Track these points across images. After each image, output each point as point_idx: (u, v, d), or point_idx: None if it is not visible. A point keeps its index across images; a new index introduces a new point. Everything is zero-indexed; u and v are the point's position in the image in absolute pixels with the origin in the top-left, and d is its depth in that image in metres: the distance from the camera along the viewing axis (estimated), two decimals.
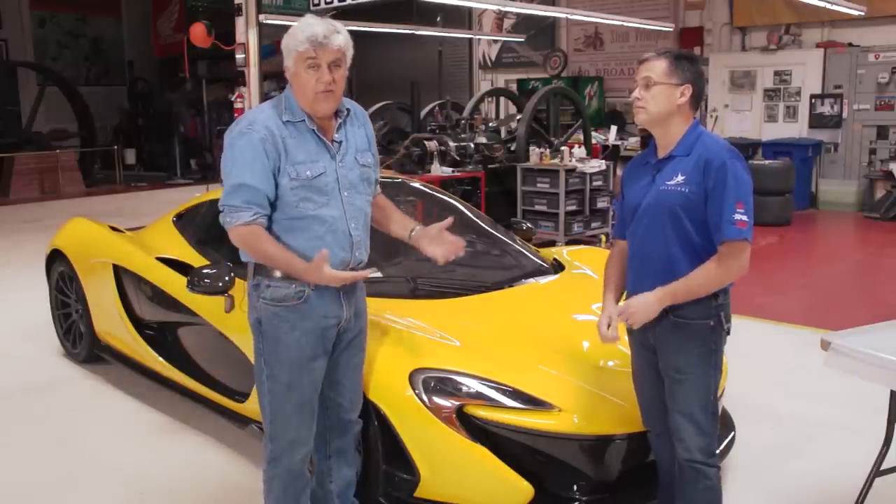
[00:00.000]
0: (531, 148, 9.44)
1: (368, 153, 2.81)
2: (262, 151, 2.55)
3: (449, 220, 2.86)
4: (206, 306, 3.84)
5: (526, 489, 2.91)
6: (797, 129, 12.23)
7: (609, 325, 2.77)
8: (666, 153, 2.70)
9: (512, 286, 3.99)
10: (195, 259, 4.20)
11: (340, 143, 2.71)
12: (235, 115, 11.08)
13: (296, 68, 2.59)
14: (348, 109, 2.76)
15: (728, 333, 2.72)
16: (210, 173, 16.58)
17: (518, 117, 10.21)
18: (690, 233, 2.62)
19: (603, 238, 9.06)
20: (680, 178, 2.62)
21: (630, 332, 2.88)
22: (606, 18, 12.63)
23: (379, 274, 2.71)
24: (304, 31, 2.56)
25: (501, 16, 16.03)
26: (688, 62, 2.65)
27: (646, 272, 2.72)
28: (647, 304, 2.61)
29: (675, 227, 2.63)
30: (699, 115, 2.79)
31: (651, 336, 2.75)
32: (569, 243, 8.31)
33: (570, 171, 8.93)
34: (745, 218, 2.54)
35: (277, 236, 2.63)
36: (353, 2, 10.69)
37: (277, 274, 2.65)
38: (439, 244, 2.82)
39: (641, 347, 2.84)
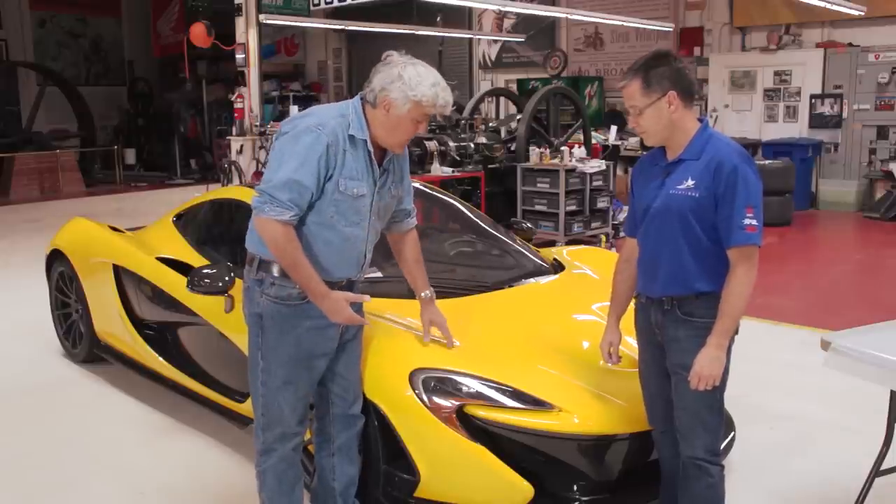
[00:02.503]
0: (531, 148, 9.43)
1: (400, 185, 2.88)
2: (325, 155, 2.57)
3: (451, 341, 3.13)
4: (206, 306, 3.84)
5: (526, 489, 2.91)
6: (797, 129, 12.23)
7: (610, 351, 2.99)
8: (675, 156, 2.69)
9: (512, 286, 3.99)
10: (195, 259, 4.20)
11: (386, 171, 2.76)
12: (235, 115, 11.09)
13: (402, 111, 2.60)
14: None
15: (736, 332, 2.72)
16: (210, 173, 16.58)
17: (518, 117, 10.20)
18: (700, 236, 2.62)
19: (603, 238, 9.06)
20: (690, 182, 2.62)
21: (638, 329, 2.90)
22: (606, 18, 12.64)
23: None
24: (438, 94, 2.60)
25: (501, 16, 16.03)
26: (660, 67, 2.61)
27: (656, 274, 2.73)
28: (714, 358, 2.60)
29: (685, 232, 2.63)
30: (705, 116, 2.78)
31: (659, 333, 2.76)
32: (569, 243, 8.30)
33: (570, 171, 8.93)
34: (754, 222, 2.55)
35: (301, 236, 2.64)
36: (354, 2, 10.70)
37: (275, 272, 2.67)
38: (432, 325, 3.10)
39: (649, 344, 2.85)
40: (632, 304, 2.98)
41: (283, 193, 2.54)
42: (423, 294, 3.11)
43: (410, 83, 2.57)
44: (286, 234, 2.57)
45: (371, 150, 2.67)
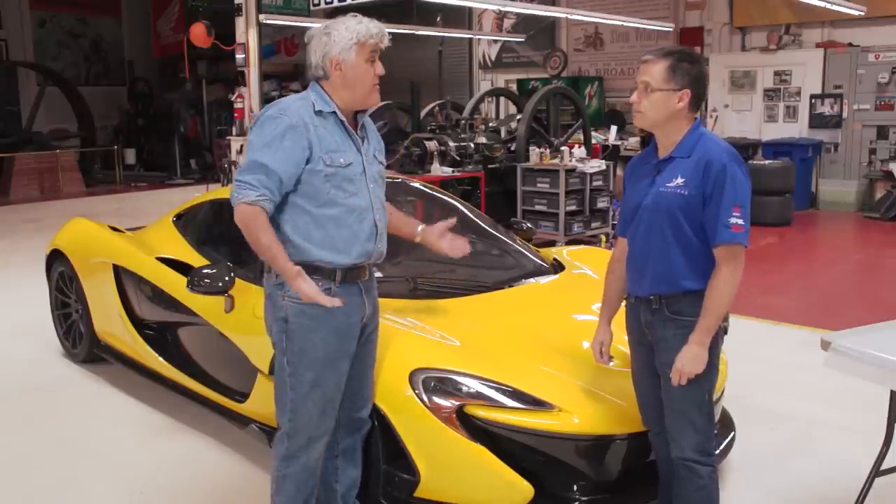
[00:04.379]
0: (531, 148, 9.43)
1: (382, 154, 2.91)
2: (289, 137, 2.59)
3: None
4: (206, 306, 3.84)
5: (526, 489, 2.91)
6: (797, 129, 12.23)
7: (601, 350, 2.98)
8: (666, 154, 2.70)
9: (512, 286, 3.99)
10: (195, 259, 4.20)
11: (363, 138, 2.79)
12: (235, 115, 11.08)
13: (356, 60, 2.65)
14: (364, 110, 2.83)
15: (725, 332, 2.72)
16: (210, 173, 16.57)
17: (518, 117, 10.20)
18: (689, 235, 2.62)
19: (603, 238, 9.06)
20: (679, 180, 2.62)
21: (629, 330, 2.90)
22: (606, 18, 12.63)
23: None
24: (369, 26, 2.67)
25: (501, 16, 16.03)
26: (688, 64, 2.62)
27: (644, 273, 2.73)
28: (696, 355, 2.60)
29: (674, 229, 2.63)
30: (699, 115, 2.78)
31: (649, 333, 2.76)
32: (569, 243, 8.30)
33: (570, 171, 8.93)
34: (740, 222, 2.55)
35: (309, 228, 2.65)
36: (353, 2, 10.69)
37: (311, 272, 2.66)
38: (445, 238, 3.07)
39: (639, 345, 2.85)
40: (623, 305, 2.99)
41: (248, 175, 2.57)
42: (420, 229, 3.10)
43: (340, 32, 2.65)
44: (253, 212, 2.56)
45: (344, 119, 2.70)
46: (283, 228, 2.67)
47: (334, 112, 2.68)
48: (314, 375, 2.70)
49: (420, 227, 3.10)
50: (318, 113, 2.66)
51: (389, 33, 2.77)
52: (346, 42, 2.64)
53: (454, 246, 3.11)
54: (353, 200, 2.69)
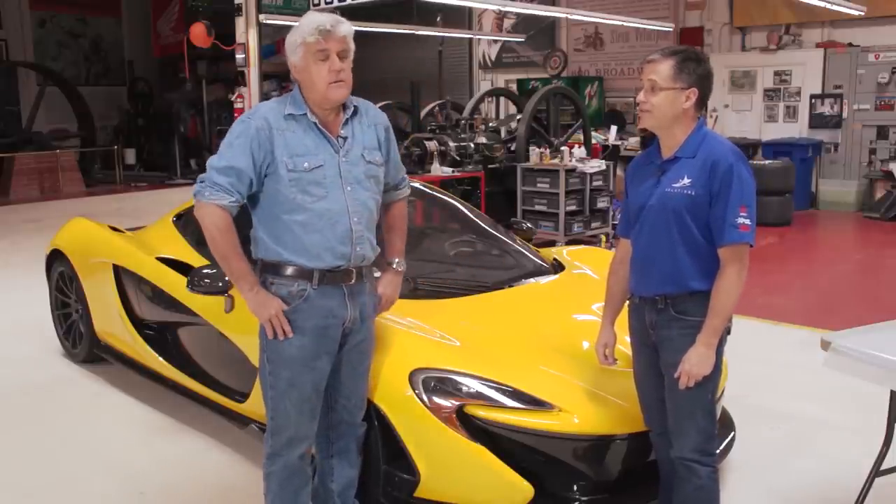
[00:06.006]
0: (531, 148, 9.43)
1: (378, 152, 2.81)
2: (256, 139, 2.60)
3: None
4: (206, 306, 3.84)
5: (526, 489, 2.91)
6: (797, 129, 12.23)
7: (606, 353, 2.97)
8: (671, 154, 2.69)
9: (512, 286, 3.99)
10: (195, 259, 4.20)
11: (346, 138, 2.72)
12: (235, 115, 11.09)
13: (304, 62, 2.62)
14: (355, 107, 2.77)
15: (728, 332, 2.72)
16: None
17: (518, 117, 10.20)
18: (695, 235, 2.62)
19: (603, 238, 9.06)
20: (686, 180, 2.62)
21: (632, 331, 2.90)
22: (606, 18, 12.63)
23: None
24: (310, 23, 2.60)
25: (501, 16, 16.03)
26: (694, 63, 2.62)
27: (650, 273, 2.72)
28: (704, 356, 2.61)
29: (681, 230, 2.63)
30: (700, 115, 2.78)
31: (653, 333, 2.76)
32: (569, 243, 8.31)
33: (570, 171, 8.93)
34: (747, 221, 2.55)
35: (281, 232, 2.64)
36: (353, 2, 10.68)
37: (289, 272, 2.67)
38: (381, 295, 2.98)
39: (643, 346, 2.84)
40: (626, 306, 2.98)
41: (222, 178, 2.59)
42: (388, 261, 3.02)
43: (293, 35, 2.64)
44: (224, 219, 2.59)
45: (316, 121, 2.67)
46: (259, 230, 2.71)
47: (305, 114, 2.66)
48: (290, 375, 2.71)
49: (390, 261, 3.02)
50: (290, 116, 2.65)
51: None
52: (294, 45, 2.63)
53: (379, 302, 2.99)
54: (322, 205, 2.64)
